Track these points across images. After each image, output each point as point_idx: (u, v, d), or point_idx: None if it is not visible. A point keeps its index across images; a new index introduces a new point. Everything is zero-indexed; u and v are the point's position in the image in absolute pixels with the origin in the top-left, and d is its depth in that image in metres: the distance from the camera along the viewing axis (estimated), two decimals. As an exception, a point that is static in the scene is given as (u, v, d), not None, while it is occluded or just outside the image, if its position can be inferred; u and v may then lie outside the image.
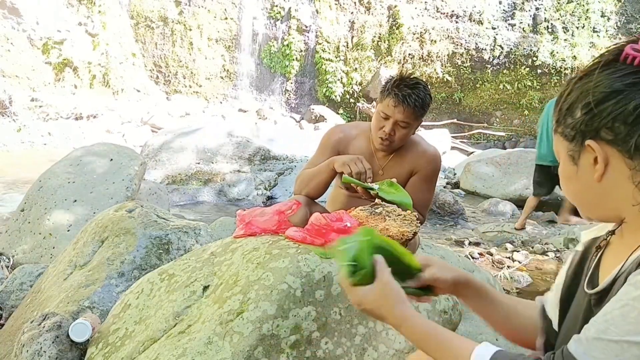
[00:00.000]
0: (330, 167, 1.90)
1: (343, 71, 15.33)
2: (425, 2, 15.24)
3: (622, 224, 0.81)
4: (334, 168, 1.88)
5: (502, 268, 3.94)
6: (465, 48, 15.08)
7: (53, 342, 1.54)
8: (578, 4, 14.82)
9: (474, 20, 15.10)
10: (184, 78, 15.17)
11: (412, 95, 1.88)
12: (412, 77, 1.95)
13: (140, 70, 14.43)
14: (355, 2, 15.28)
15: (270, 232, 1.67)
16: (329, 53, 15.25)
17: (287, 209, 1.73)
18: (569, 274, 0.93)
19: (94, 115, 11.47)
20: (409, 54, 15.29)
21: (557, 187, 5.02)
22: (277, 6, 15.19)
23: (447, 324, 1.66)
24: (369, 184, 1.80)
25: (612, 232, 0.86)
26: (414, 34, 15.16)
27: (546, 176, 4.86)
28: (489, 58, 15.02)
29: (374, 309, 0.90)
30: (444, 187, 7.81)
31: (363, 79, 15.33)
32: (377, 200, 1.71)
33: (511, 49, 14.89)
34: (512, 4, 15.10)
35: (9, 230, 3.31)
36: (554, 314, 0.94)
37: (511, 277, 3.71)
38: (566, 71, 14.48)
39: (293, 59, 15.28)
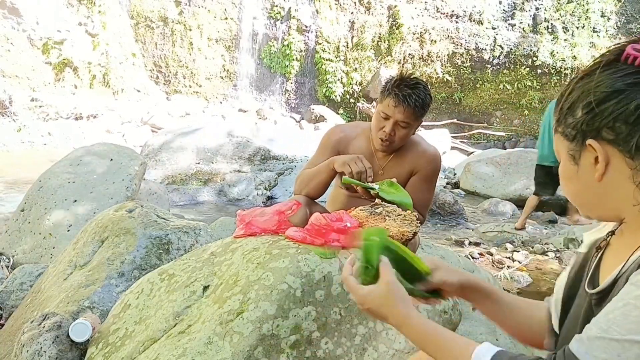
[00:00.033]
0: (330, 167, 1.90)
1: (343, 71, 15.34)
2: (425, 2, 15.25)
3: (622, 224, 0.81)
4: (334, 168, 1.88)
5: (502, 268, 3.94)
6: (465, 48, 15.09)
7: (53, 342, 1.54)
8: (578, 4, 14.82)
9: (474, 20, 15.10)
10: (184, 78, 15.17)
11: (412, 96, 1.88)
12: (412, 77, 1.95)
13: (140, 70, 14.43)
14: (355, 2, 15.29)
15: (270, 232, 1.66)
16: (329, 53, 15.25)
17: (287, 209, 1.73)
18: (570, 275, 0.93)
19: (94, 115, 11.47)
20: (409, 54, 15.29)
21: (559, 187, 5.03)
22: (277, 6, 15.20)
23: (447, 324, 1.66)
24: (369, 183, 1.80)
25: (612, 233, 0.86)
26: (414, 34, 15.17)
27: (549, 177, 4.87)
28: (489, 58, 15.03)
29: (375, 308, 0.90)
30: (444, 187, 7.81)
31: (363, 79, 15.34)
32: (377, 200, 1.71)
33: (511, 49, 14.89)
34: (512, 4, 15.10)
35: (9, 230, 3.31)
36: (555, 315, 0.94)
37: (511, 277, 3.71)
38: (566, 71, 14.48)
39: (293, 59, 15.29)
